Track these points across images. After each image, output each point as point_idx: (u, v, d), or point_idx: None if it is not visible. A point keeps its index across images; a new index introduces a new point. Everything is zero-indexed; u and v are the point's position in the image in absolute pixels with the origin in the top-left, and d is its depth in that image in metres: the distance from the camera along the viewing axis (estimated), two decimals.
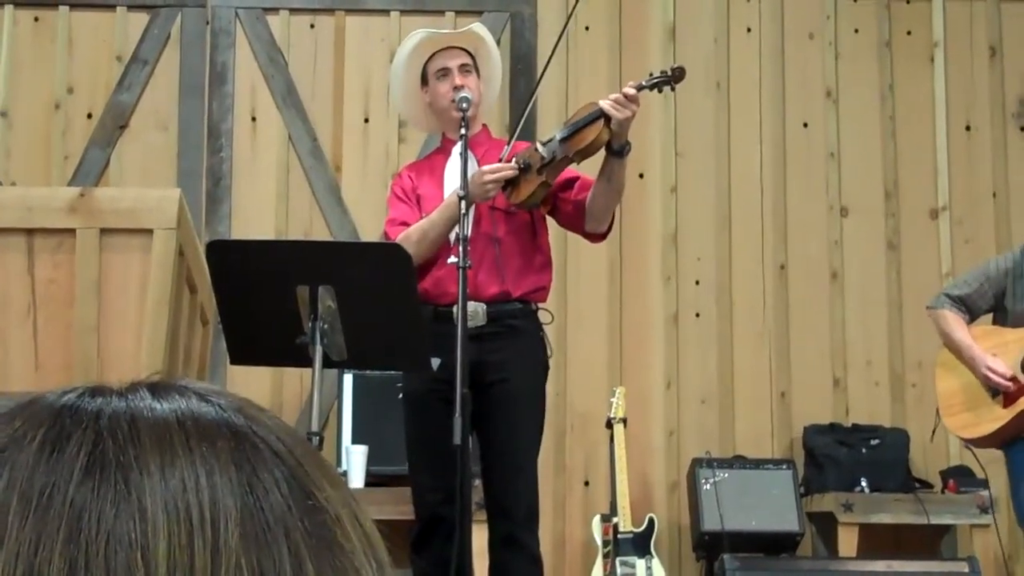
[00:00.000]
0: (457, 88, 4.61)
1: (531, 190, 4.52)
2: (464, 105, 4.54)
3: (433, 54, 4.72)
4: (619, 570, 5.93)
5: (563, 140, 4.51)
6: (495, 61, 4.89)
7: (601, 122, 4.44)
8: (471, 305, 4.39)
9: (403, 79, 4.80)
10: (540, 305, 4.66)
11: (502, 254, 4.57)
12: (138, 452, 0.73)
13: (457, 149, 4.58)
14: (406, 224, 4.62)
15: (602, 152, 4.54)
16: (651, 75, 4.51)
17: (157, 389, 0.78)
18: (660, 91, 4.54)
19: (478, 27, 4.88)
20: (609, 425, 6.11)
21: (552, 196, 4.68)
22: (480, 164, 4.57)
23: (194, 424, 0.76)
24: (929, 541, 6.44)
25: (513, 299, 4.56)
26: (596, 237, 4.77)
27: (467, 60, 4.71)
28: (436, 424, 4.36)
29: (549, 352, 4.69)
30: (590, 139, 4.46)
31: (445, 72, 4.67)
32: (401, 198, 4.75)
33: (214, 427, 0.76)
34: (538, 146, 4.57)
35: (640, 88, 4.43)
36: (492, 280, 4.55)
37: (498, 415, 4.51)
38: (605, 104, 4.40)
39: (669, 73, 4.46)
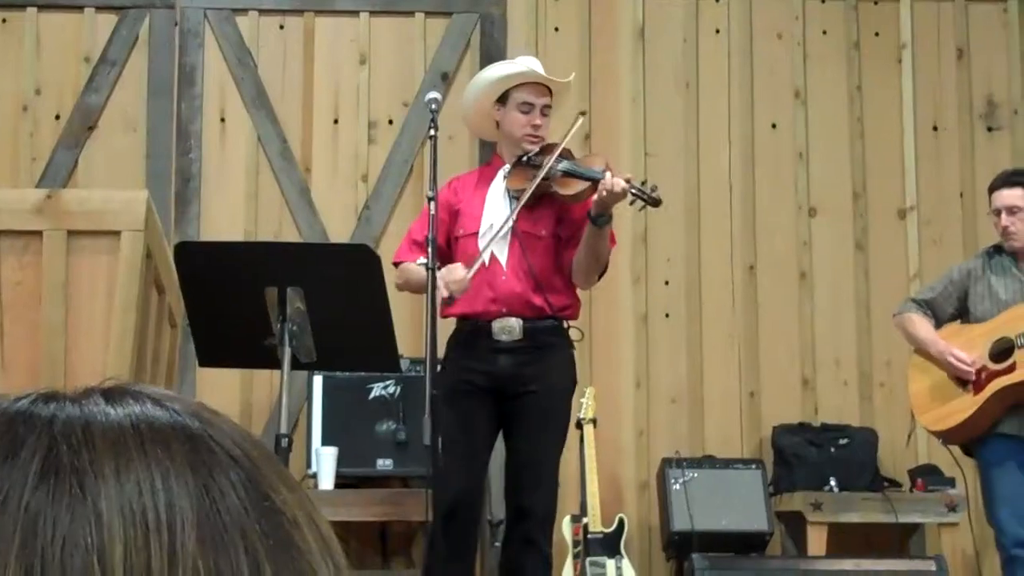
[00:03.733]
0: (536, 126, 4.93)
1: (523, 185, 4.84)
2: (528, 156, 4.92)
3: (523, 84, 4.97)
4: (589, 570, 5.94)
5: (563, 174, 4.85)
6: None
7: (591, 187, 4.74)
8: (509, 320, 4.79)
9: (486, 89, 5.01)
10: (571, 323, 4.95)
11: (536, 274, 4.83)
12: (93, 457, 0.73)
13: (502, 173, 4.95)
14: (420, 245, 4.80)
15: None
16: (644, 183, 4.82)
17: (111, 394, 0.78)
18: (633, 203, 4.83)
19: (572, 78, 5.23)
20: (579, 426, 6.11)
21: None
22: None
23: (149, 428, 0.76)
24: (898, 540, 6.47)
25: (547, 316, 4.83)
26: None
27: (550, 102, 4.99)
28: (462, 424, 4.74)
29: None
30: (573, 192, 4.82)
31: (530, 107, 4.94)
32: (426, 215, 4.89)
33: (169, 431, 0.76)
34: (553, 160, 4.85)
35: (632, 190, 4.71)
36: (529, 298, 4.82)
37: (525, 425, 4.81)
38: (606, 179, 4.67)
39: (654, 198, 4.77)
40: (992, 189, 5.44)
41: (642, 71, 7.05)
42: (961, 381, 5.34)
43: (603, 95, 6.97)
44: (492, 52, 6.80)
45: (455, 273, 4.67)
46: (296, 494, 0.80)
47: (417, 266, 4.74)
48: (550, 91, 5.01)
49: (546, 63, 6.77)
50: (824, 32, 7.20)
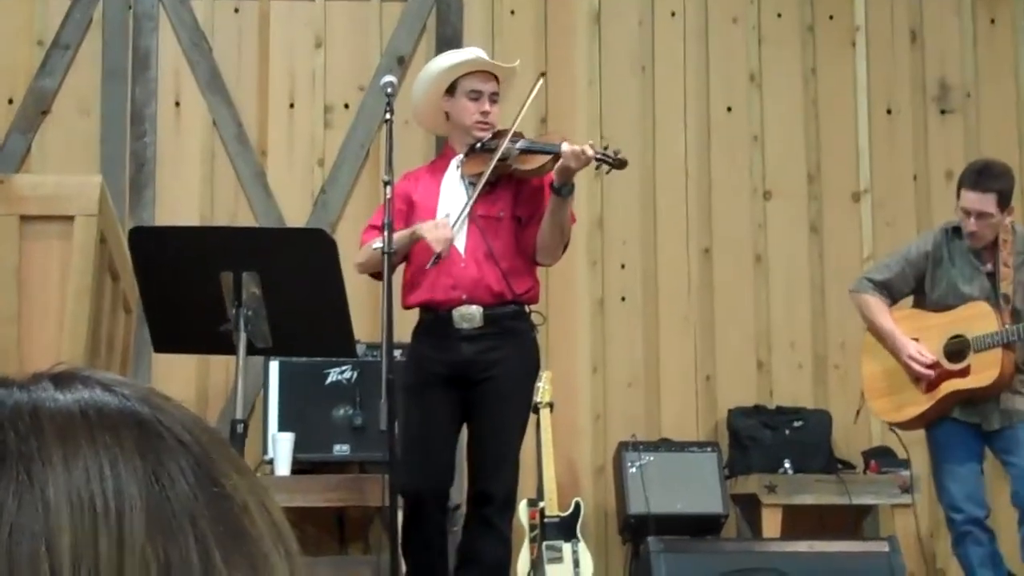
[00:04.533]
0: (485, 113, 4.93)
1: (480, 169, 4.84)
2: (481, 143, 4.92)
3: (470, 72, 4.96)
4: (545, 554, 5.96)
5: (520, 152, 4.86)
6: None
7: (553, 158, 4.75)
8: (469, 308, 4.79)
9: (434, 80, 4.99)
10: (532, 307, 4.97)
11: (496, 258, 4.84)
12: (40, 443, 0.73)
13: (455, 162, 4.95)
14: (378, 230, 4.81)
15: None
16: (606, 148, 4.81)
17: (60, 380, 0.78)
18: (599, 168, 4.87)
19: (518, 64, 5.19)
20: (536, 410, 6.11)
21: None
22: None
23: (97, 414, 0.76)
24: (852, 521, 6.52)
25: (508, 301, 4.84)
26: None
27: (497, 89, 4.99)
28: (427, 413, 4.77)
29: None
30: (535, 166, 4.83)
31: (478, 95, 4.94)
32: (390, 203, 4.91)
33: (118, 417, 0.76)
34: (507, 142, 4.84)
35: (597, 154, 4.72)
36: (490, 283, 4.82)
37: (487, 410, 4.82)
38: (566, 147, 4.67)
39: (620, 159, 4.76)
40: (962, 185, 5.35)
41: (598, 54, 7.06)
42: (914, 374, 5.37)
43: (559, 78, 6.96)
44: (448, 36, 6.79)
45: (443, 230, 4.67)
46: (247, 480, 0.80)
47: (373, 249, 4.74)
48: (497, 79, 5.00)
49: (502, 47, 6.79)
50: (779, 15, 7.22)
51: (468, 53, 5.08)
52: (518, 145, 4.85)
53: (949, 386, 5.26)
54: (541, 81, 5.03)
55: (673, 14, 7.15)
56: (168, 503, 0.74)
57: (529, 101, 4.94)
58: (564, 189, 4.73)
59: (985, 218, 5.23)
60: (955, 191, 5.42)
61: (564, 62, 7.03)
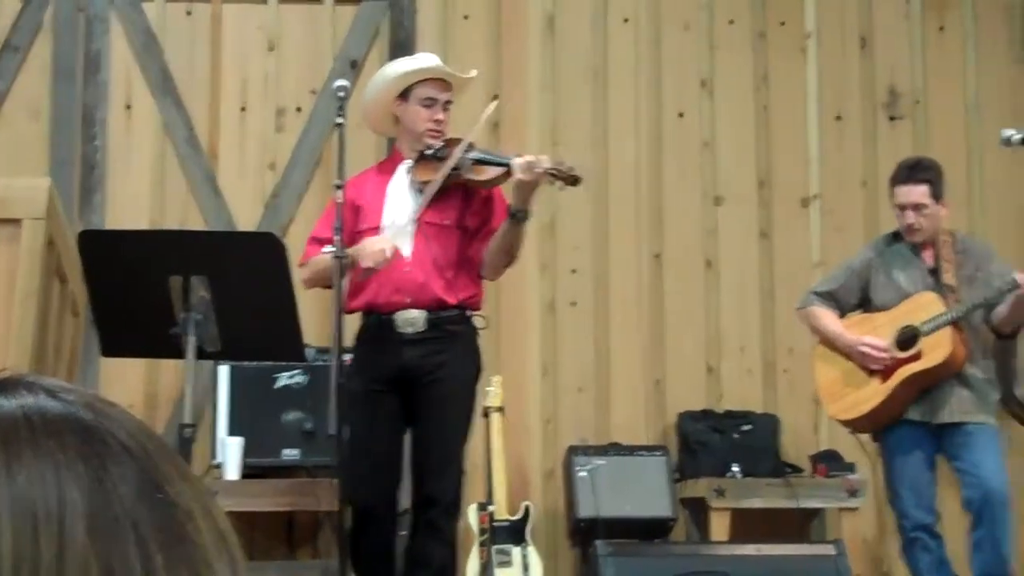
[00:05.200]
0: (438, 121, 4.95)
1: (431, 176, 4.86)
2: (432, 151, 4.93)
3: (425, 79, 4.98)
4: (495, 558, 5.96)
5: (474, 162, 4.87)
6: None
7: (505, 172, 4.77)
8: (413, 312, 4.81)
9: (389, 83, 5.01)
10: (475, 312, 4.99)
11: (441, 265, 4.85)
12: None
13: (403, 167, 4.96)
14: (320, 243, 4.89)
15: None
16: (561, 163, 4.82)
17: (4, 385, 0.79)
18: (552, 184, 4.84)
19: (474, 73, 5.23)
20: (486, 414, 6.12)
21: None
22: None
23: (41, 419, 0.76)
24: (799, 525, 6.55)
25: (451, 306, 4.85)
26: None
27: (451, 97, 5.02)
28: (371, 420, 4.77)
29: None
30: (488, 177, 4.85)
31: (432, 102, 4.95)
32: (332, 212, 4.91)
33: (62, 422, 0.77)
34: (460, 151, 4.86)
35: (550, 169, 4.72)
36: (433, 288, 4.83)
37: (430, 413, 4.84)
38: (517, 160, 4.71)
39: (573, 175, 4.77)
40: (895, 182, 5.47)
41: (551, 60, 7.08)
42: (868, 370, 5.41)
43: (512, 84, 6.98)
44: (402, 40, 6.79)
45: (378, 243, 4.69)
46: (192, 486, 0.81)
47: (322, 255, 4.75)
48: (451, 87, 5.02)
49: (455, 52, 6.80)
50: (731, 22, 7.25)
51: (427, 60, 5.09)
52: (472, 155, 4.86)
53: (904, 371, 5.31)
54: (495, 103, 5.02)
55: (626, 20, 7.17)
56: (110, 508, 0.74)
57: (482, 122, 4.93)
58: (520, 214, 4.75)
59: (920, 209, 5.35)
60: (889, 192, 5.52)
61: (517, 67, 7.04)
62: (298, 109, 6.83)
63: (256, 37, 6.86)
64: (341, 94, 4.74)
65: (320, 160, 6.74)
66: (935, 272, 5.41)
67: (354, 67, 6.79)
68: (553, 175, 4.75)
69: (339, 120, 4.71)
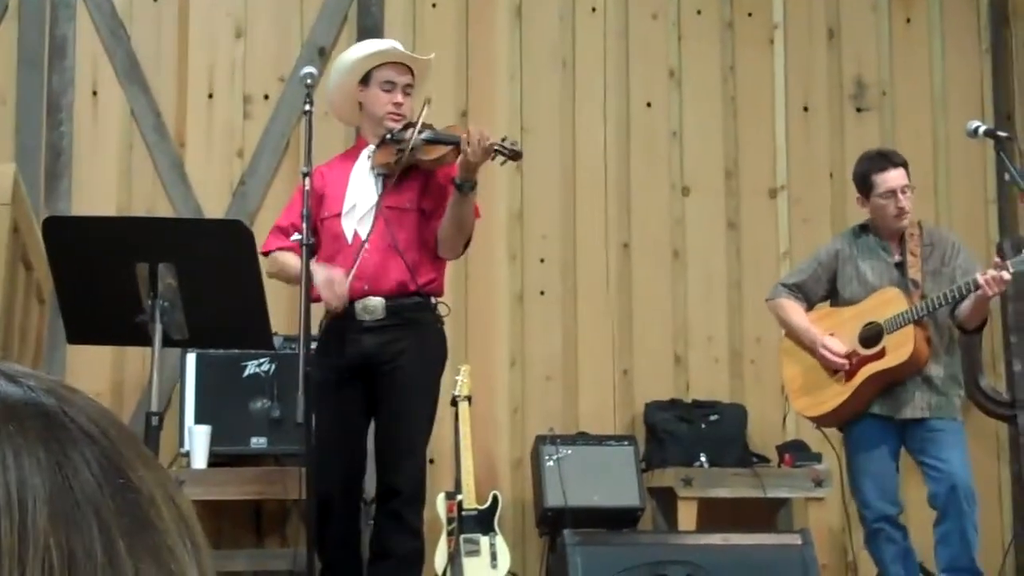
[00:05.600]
0: (397, 104, 4.95)
1: (389, 160, 4.87)
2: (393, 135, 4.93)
3: (384, 63, 4.98)
4: (463, 547, 5.96)
5: (424, 141, 4.86)
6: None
7: (454, 149, 4.78)
8: (372, 300, 4.79)
9: (348, 69, 5.01)
10: (438, 300, 4.97)
11: (400, 249, 4.83)
12: None
13: (366, 152, 4.96)
14: (284, 232, 4.92)
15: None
16: (504, 139, 4.83)
17: None
18: (494, 159, 4.84)
19: (433, 57, 5.21)
20: (454, 403, 6.13)
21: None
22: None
23: (1, 405, 0.75)
24: (766, 514, 6.58)
25: (411, 292, 4.83)
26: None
27: (412, 81, 5.01)
28: (334, 409, 4.76)
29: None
30: (436, 156, 4.84)
31: (392, 86, 4.96)
32: (298, 201, 4.92)
33: (22, 407, 0.76)
34: (415, 132, 4.85)
35: (496, 146, 4.74)
36: (392, 273, 4.82)
37: (392, 402, 4.82)
38: (465, 137, 4.71)
39: (515, 150, 4.82)
40: (878, 170, 5.44)
41: (519, 48, 7.07)
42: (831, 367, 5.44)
43: (480, 72, 6.98)
44: (369, 27, 6.77)
45: (336, 287, 4.69)
46: (154, 472, 0.80)
47: (292, 257, 4.76)
48: (412, 71, 5.01)
49: (424, 39, 6.79)
50: (698, 12, 7.27)
51: (383, 44, 5.10)
52: (423, 135, 4.87)
53: (867, 370, 5.33)
54: (427, 108, 4.99)
55: (594, 10, 7.18)
56: (72, 494, 0.73)
57: (417, 127, 4.91)
58: (465, 185, 4.75)
59: (909, 191, 5.37)
60: (859, 183, 5.51)
61: (485, 55, 7.03)
62: (266, 96, 6.80)
63: (224, 24, 6.83)
64: (309, 81, 4.74)
65: (288, 147, 6.72)
66: (901, 266, 5.43)
67: (322, 54, 6.77)
68: (497, 151, 4.77)
69: (307, 107, 4.71)
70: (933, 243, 5.49)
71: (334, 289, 4.70)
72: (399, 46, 5.09)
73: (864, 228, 5.54)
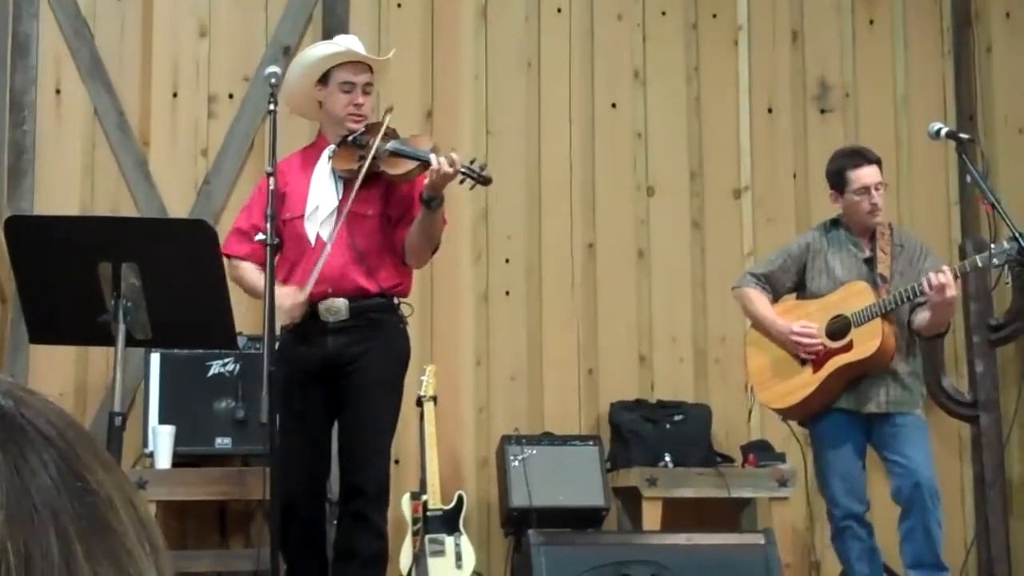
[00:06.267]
0: (357, 105, 4.92)
1: (351, 166, 4.84)
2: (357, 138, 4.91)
3: (344, 63, 4.94)
4: (428, 547, 5.96)
5: (390, 153, 4.83)
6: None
7: (421, 166, 4.76)
8: (335, 301, 4.79)
9: (306, 70, 4.98)
10: (402, 300, 4.96)
11: (361, 252, 4.82)
12: None
13: (327, 153, 4.93)
14: (246, 235, 4.89)
15: None
16: (472, 162, 4.83)
17: None
18: (463, 182, 4.83)
19: (392, 55, 5.19)
20: (419, 403, 6.12)
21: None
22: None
23: None
24: (730, 514, 6.59)
25: (374, 294, 4.83)
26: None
27: (371, 79, 4.97)
28: (298, 410, 4.74)
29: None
30: (403, 171, 4.81)
31: (351, 86, 4.92)
32: (257, 200, 4.95)
33: None
34: (378, 140, 4.83)
35: (463, 169, 4.73)
36: (354, 276, 4.81)
37: (355, 402, 4.82)
38: (435, 162, 4.68)
39: (485, 176, 4.81)
40: (851, 168, 5.45)
41: (484, 49, 7.07)
42: (799, 358, 5.45)
43: (445, 73, 6.97)
44: (334, 27, 6.75)
45: (288, 298, 4.66)
46: (113, 475, 0.79)
47: (251, 272, 4.75)
48: (372, 69, 4.99)
49: (388, 39, 6.77)
50: (663, 13, 7.28)
51: (339, 44, 5.05)
52: (389, 146, 4.84)
53: (835, 362, 5.34)
54: (389, 117, 4.96)
55: (559, 10, 7.18)
56: (29, 497, 0.73)
57: (381, 134, 4.88)
58: (433, 202, 4.74)
59: (882, 188, 5.41)
60: (832, 180, 5.51)
61: (450, 56, 7.02)
62: (230, 95, 6.78)
63: (188, 22, 6.80)
64: (273, 81, 4.72)
65: (252, 147, 6.69)
66: (871, 261, 5.46)
67: (287, 53, 6.73)
68: (466, 175, 4.76)
69: (271, 107, 4.69)
70: (903, 244, 5.52)
71: (291, 309, 4.69)
72: (357, 44, 5.05)
73: (836, 223, 5.56)
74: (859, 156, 5.50)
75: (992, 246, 5.07)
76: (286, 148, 5.09)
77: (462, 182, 4.82)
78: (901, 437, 5.33)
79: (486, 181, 4.83)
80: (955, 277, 5.13)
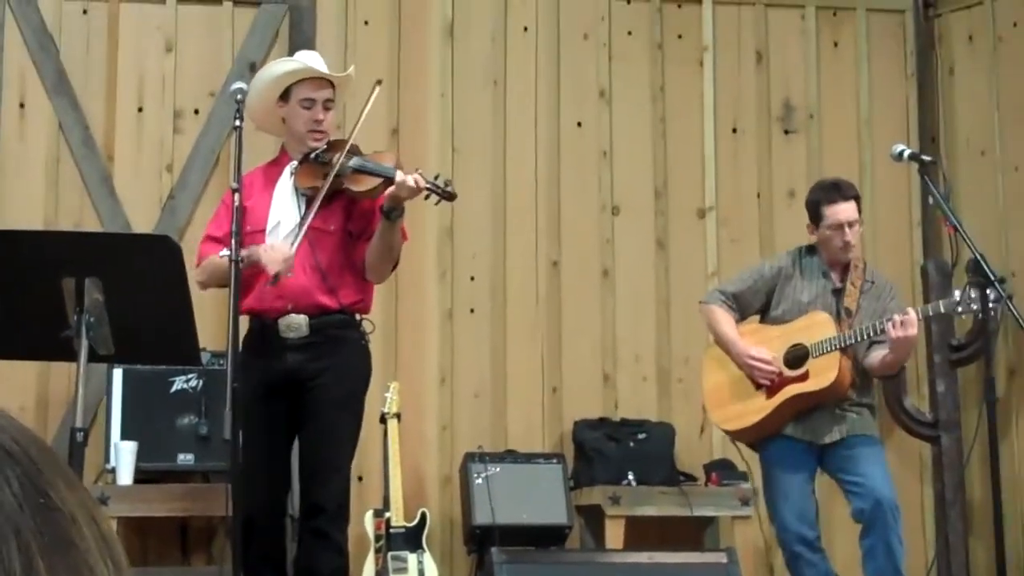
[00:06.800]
0: (318, 121, 4.91)
1: (314, 183, 4.83)
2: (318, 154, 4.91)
3: (304, 79, 4.93)
4: (391, 565, 5.94)
5: (354, 170, 4.83)
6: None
7: (385, 182, 4.75)
8: (295, 317, 4.78)
9: (266, 87, 4.97)
10: (363, 317, 4.95)
11: (323, 270, 4.81)
12: None
13: (290, 168, 4.92)
14: (220, 241, 4.82)
15: None
16: (436, 177, 4.82)
17: None
18: (428, 198, 4.84)
19: (352, 70, 5.18)
20: (383, 420, 6.11)
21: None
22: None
23: None
24: (693, 532, 6.61)
25: (335, 311, 4.82)
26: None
27: (332, 95, 4.97)
28: (259, 425, 4.69)
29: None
30: (366, 188, 4.82)
31: (311, 103, 4.91)
32: (223, 213, 4.93)
33: None
34: (342, 158, 4.82)
35: (427, 185, 4.73)
36: (314, 293, 4.80)
37: (315, 419, 4.81)
38: (400, 176, 4.68)
39: (449, 192, 4.80)
40: (828, 202, 5.45)
41: (451, 67, 7.08)
42: (755, 382, 5.46)
43: (412, 90, 6.97)
44: (300, 44, 6.74)
45: (279, 251, 4.66)
46: (76, 492, 0.79)
47: (219, 258, 4.69)
48: (333, 85, 4.99)
49: (355, 57, 6.78)
50: (629, 33, 7.30)
51: (298, 61, 5.05)
52: (352, 163, 4.83)
53: (790, 390, 5.35)
54: (378, 89, 5.00)
55: (525, 29, 7.20)
56: None
57: (367, 109, 4.91)
58: (393, 213, 4.75)
59: (856, 225, 5.40)
60: (810, 211, 5.51)
61: (417, 74, 7.03)
62: (196, 111, 6.76)
63: (154, 37, 6.79)
64: (239, 96, 4.70)
65: (218, 162, 6.68)
66: (839, 293, 5.47)
67: (253, 69, 6.70)
68: (430, 191, 4.76)
69: (237, 122, 4.67)
70: (874, 281, 5.54)
71: (274, 253, 4.67)
72: (317, 60, 5.04)
73: (811, 250, 5.56)
74: (836, 192, 5.47)
75: (957, 293, 5.08)
76: (252, 164, 5.09)
77: (427, 197, 4.83)
78: (856, 458, 5.34)
79: (451, 196, 4.83)
80: (919, 319, 5.16)
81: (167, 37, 6.79)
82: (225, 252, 4.57)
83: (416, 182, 4.66)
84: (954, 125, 7.48)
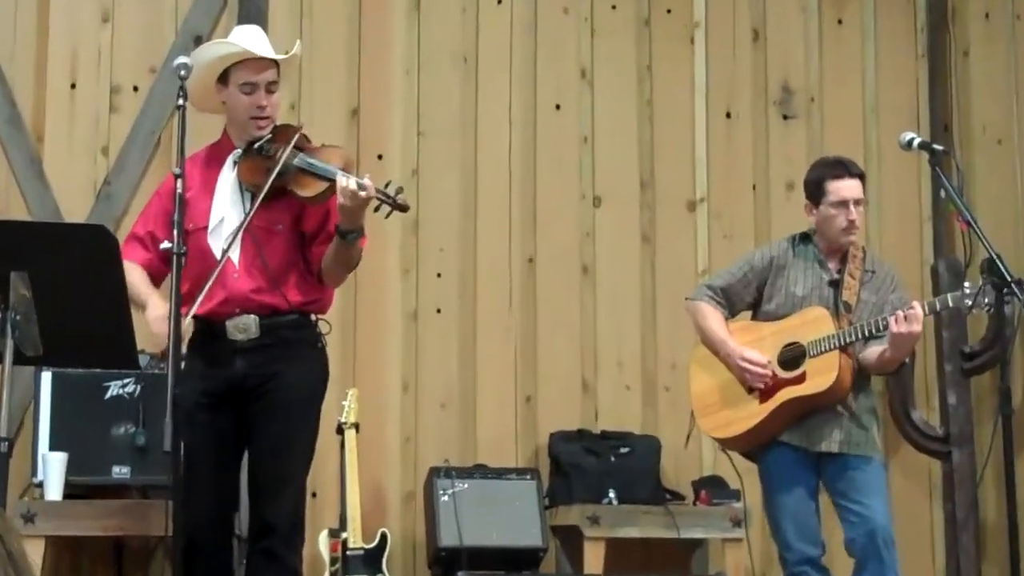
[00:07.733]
0: (260, 107, 4.82)
1: (257, 180, 4.76)
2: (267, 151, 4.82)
3: (243, 60, 4.83)
4: None
5: (298, 170, 4.74)
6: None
7: (332, 186, 4.65)
8: (244, 319, 4.73)
9: (203, 70, 4.84)
10: (319, 317, 4.90)
11: (271, 270, 4.76)
12: None
13: (232, 158, 4.86)
14: (140, 241, 4.85)
15: None
16: (387, 184, 4.72)
17: None
18: (378, 209, 4.73)
19: (298, 48, 5.07)
20: (340, 431, 6.10)
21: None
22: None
23: None
24: (680, 556, 6.60)
25: (286, 311, 4.77)
26: None
27: (276, 77, 4.87)
28: (204, 436, 4.67)
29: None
30: (312, 193, 4.73)
31: (252, 87, 4.82)
32: (155, 204, 4.92)
33: None
34: (286, 154, 4.74)
35: (377, 193, 4.63)
36: (263, 293, 4.76)
37: (266, 430, 4.76)
38: (342, 180, 4.59)
39: (401, 203, 4.70)
40: (830, 179, 5.45)
41: (417, 42, 7.06)
42: (747, 386, 5.44)
43: (374, 67, 6.95)
44: (251, 15, 6.72)
45: (159, 330, 4.58)
46: None
47: (137, 274, 4.69)
48: (278, 65, 4.91)
49: (311, 29, 6.75)
50: (613, 7, 7.30)
51: (233, 44, 4.90)
52: (296, 161, 4.73)
53: (785, 394, 5.33)
54: (298, 135, 4.87)
55: (499, 2, 7.19)
56: None
57: (290, 146, 4.80)
58: (350, 236, 4.66)
59: (861, 205, 5.42)
60: (810, 190, 5.50)
61: (379, 49, 7.00)
62: (135, 88, 6.73)
63: (88, 8, 6.76)
64: (183, 72, 4.62)
65: (159, 144, 6.66)
66: (836, 284, 5.46)
67: (198, 43, 6.68)
68: (381, 200, 4.69)
69: (180, 101, 4.61)
70: (874, 270, 5.52)
71: (155, 334, 4.61)
72: (258, 36, 4.94)
73: (806, 237, 5.54)
74: (841, 167, 5.49)
75: (967, 286, 5.07)
76: (195, 146, 5.03)
77: (377, 209, 4.74)
78: (855, 481, 5.33)
79: (403, 208, 4.72)
80: (925, 314, 5.14)
81: (103, 6, 6.76)
82: (167, 245, 4.51)
83: (363, 188, 4.57)
84: (969, 111, 7.49)
